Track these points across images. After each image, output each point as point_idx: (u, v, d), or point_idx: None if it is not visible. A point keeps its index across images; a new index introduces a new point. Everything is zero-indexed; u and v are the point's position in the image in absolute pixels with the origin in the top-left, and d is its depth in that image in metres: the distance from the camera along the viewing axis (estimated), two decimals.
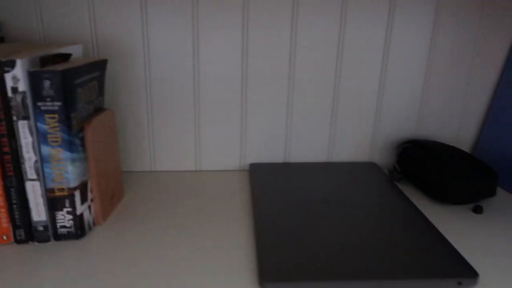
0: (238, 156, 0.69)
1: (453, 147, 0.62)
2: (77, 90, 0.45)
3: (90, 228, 0.49)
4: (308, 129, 0.68)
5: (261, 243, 0.45)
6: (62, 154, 0.44)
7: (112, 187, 0.54)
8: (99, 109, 0.52)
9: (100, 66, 0.50)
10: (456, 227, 0.51)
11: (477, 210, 0.55)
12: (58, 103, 0.42)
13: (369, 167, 0.68)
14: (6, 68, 0.40)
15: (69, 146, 0.44)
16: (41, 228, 0.46)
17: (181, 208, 0.55)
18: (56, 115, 0.42)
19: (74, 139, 0.44)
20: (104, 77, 0.52)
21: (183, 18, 0.61)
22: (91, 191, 0.49)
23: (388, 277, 0.39)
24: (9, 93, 0.41)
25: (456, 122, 0.70)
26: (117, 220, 0.52)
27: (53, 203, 0.45)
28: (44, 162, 0.44)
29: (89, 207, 0.49)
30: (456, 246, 0.47)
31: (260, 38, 0.63)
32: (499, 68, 0.67)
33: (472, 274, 0.40)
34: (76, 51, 0.52)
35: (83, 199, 0.47)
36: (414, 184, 0.63)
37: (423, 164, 0.60)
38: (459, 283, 0.39)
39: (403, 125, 0.69)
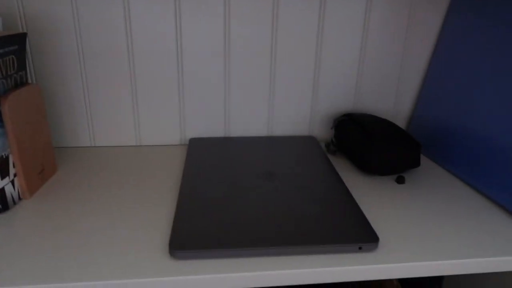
0: (178, 131, 0.69)
1: (384, 120, 0.63)
2: None
3: (14, 203, 0.50)
4: (247, 103, 0.69)
5: (179, 213, 0.46)
6: None
7: (40, 162, 0.54)
8: (21, 84, 0.52)
9: (18, 40, 0.50)
10: (375, 196, 0.53)
11: (400, 180, 0.57)
12: None
13: (307, 140, 0.69)
14: None
15: None
16: None
17: (113, 182, 0.56)
18: None
19: None
20: (25, 51, 0.51)
21: None
22: (14, 166, 0.49)
23: (289, 243, 0.41)
24: None
25: (393, 96, 0.72)
26: (45, 194, 0.53)
27: None
28: None
29: (12, 181, 0.49)
30: (368, 214, 0.49)
31: (193, 11, 0.62)
32: (433, 41, 0.69)
33: (373, 239, 0.42)
34: None
35: (3, 174, 0.47)
36: (347, 156, 0.64)
37: (352, 137, 0.62)
38: (360, 248, 0.41)
39: (342, 99, 0.71)
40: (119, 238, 0.44)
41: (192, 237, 0.41)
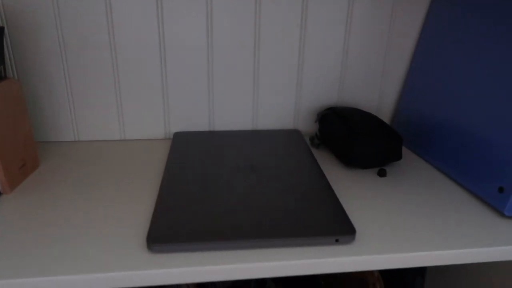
0: (163, 125, 0.69)
1: (367, 113, 0.64)
2: None
3: None
4: (231, 97, 0.69)
5: (158, 208, 0.46)
6: None
7: (21, 156, 0.54)
8: None
9: None
10: (356, 189, 0.54)
11: (381, 173, 0.57)
12: None
13: (291, 134, 0.69)
14: None
15: None
16: None
17: (95, 177, 0.56)
18: None
19: None
20: (2, 45, 0.51)
21: None
22: None
23: (266, 236, 0.41)
24: None
25: (377, 89, 0.72)
26: (26, 189, 0.53)
27: None
28: None
29: None
30: (347, 206, 0.49)
31: (176, 3, 0.62)
32: (416, 34, 0.69)
33: (350, 231, 0.42)
34: None
35: None
36: (331, 149, 0.65)
37: (334, 130, 0.62)
38: (337, 240, 0.42)
39: (326, 92, 0.71)
40: (99, 233, 0.44)
41: (170, 231, 0.42)
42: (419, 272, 0.71)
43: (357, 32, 0.67)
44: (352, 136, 0.58)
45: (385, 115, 0.74)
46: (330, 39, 0.67)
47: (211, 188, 0.50)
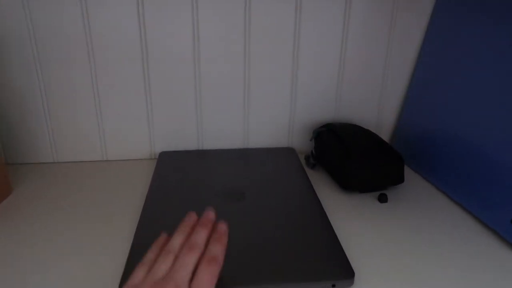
0: (148, 144, 0.65)
1: (365, 130, 0.59)
2: None
3: None
4: (221, 113, 0.64)
5: (135, 247, 0.41)
6: None
7: None
8: None
9: None
10: (354, 219, 0.49)
11: (382, 198, 0.53)
12: None
13: (285, 153, 0.65)
14: None
15: None
16: None
17: (71, 203, 0.51)
18: None
19: None
20: None
21: None
22: None
23: (253, 282, 0.36)
24: None
25: (376, 104, 0.67)
26: None
27: None
28: None
29: None
30: (345, 241, 0.45)
31: (158, 13, 0.57)
32: (418, 45, 0.64)
33: (348, 275, 0.38)
34: None
35: None
36: (327, 170, 0.60)
37: (330, 150, 0.58)
38: (333, 286, 0.37)
39: (322, 108, 0.66)
40: (69, 270, 0.39)
41: None
42: None
43: (354, 43, 0.63)
44: (349, 158, 0.53)
45: (385, 132, 0.70)
46: (326, 50, 0.62)
47: None
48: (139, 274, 0.31)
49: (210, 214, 0.37)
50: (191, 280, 0.30)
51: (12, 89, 0.59)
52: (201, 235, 0.34)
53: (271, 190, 0.52)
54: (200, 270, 0.31)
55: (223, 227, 0.36)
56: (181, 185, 0.54)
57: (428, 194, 0.55)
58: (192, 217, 0.38)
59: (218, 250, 0.33)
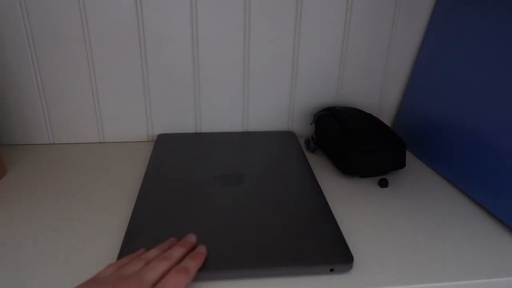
0: (145, 126, 0.64)
1: (367, 114, 0.58)
2: None
3: None
4: (219, 95, 0.63)
5: (132, 225, 0.41)
6: None
7: None
8: None
9: None
10: (354, 203, 0.49)
11: (382, 183, 0.52)
12: None
13: (285, 137, 0.64)
14: None
15: None
16: None
17: (66, 185, 0.51)
18: None
19: None
20: None
21: None
22: None
23: (250, 266, 0.36)
24: None
25: (378, 88, 0.66)
26: None
27: None
28: None
29: None
30: (344, 226, 0.44)
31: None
32: (423, 27, 0.63)
33: (347, 259, 0.37)
34: None
35: None
36: (327, 154, 0.59)
37: (331, 134, 0.57)
38: (332, 270, 0.36)
39: (323, 91, 0.65)
40: (69, 246, 0.39)
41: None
42: None
43: (357, 24, 0.61)
44: (350, 142, 0.52)
45: (387, 116, 0.68)
46: (328, 32, 0.61)
47: (191, 202, 0.45)
48: (107, 270, 0.31)
49: (192, 237, 0.37)
50: (156, 284, 0.30)
51: (6, 68, 0.57)
52: (177, 251, 0.34)
53: (270, 174, 0.52)
54: (167, 276, 0.31)
55: (202, 249, 0.36)
56: (179, 167, 0.53)
57: (429, 179, 0.54)
58: (173, 240, 0.37)
59: (191, 264, 0.33)
